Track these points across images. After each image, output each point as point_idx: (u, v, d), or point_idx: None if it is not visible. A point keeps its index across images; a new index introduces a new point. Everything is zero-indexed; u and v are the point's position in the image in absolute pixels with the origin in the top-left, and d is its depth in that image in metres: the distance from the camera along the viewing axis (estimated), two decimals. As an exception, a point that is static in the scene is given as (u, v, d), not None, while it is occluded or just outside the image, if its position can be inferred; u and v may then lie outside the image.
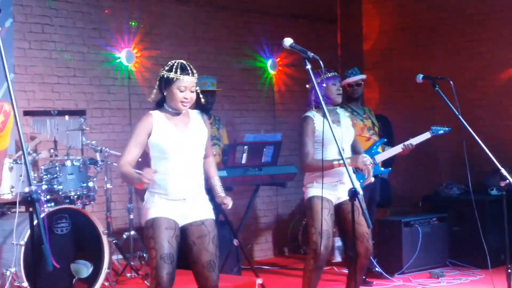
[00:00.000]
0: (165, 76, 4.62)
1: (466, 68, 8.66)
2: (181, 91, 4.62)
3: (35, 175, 5.60)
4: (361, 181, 5.69)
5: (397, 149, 6.94)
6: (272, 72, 8.98)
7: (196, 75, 4.65)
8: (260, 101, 8.94)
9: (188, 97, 4.64)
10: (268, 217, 9.01)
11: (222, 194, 4.84)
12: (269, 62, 8.95)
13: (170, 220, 4.60)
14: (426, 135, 6.78)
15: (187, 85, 4.63)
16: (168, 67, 4.64)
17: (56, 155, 5.93)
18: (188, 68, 4.64)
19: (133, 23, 7.78)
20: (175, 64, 4.64)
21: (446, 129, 6.73)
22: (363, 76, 7.44)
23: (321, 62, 4.57)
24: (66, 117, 6.28)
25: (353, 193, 4.32)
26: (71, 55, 7.35)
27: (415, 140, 6.86)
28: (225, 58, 8.53)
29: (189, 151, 4.68)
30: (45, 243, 3.49)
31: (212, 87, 7.14)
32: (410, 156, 7.13)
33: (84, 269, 5.44)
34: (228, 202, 4.82)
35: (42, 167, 5.68)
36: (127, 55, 7.69)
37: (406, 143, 6.88)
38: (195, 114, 4.79)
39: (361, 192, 5.04)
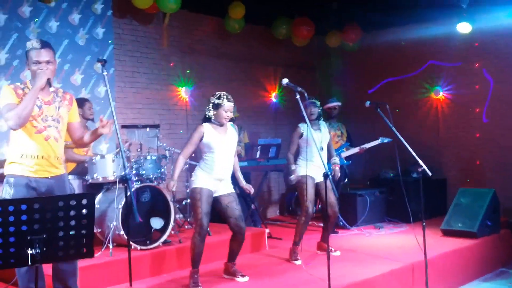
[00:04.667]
0: (216, 102, 4.63)
1: (397, 96, 8.62)
2: (225, 111, 4.63)
3: (128, 164, 5.59)
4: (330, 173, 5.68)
5: (355, 149, 6.92)
6: (274, 100, 8.98)
7: (233, 101, 4.67)
8: (267, 118, 8.91)
9: (229, 116, 4.66)
10: (274, 191, 8.99)
11: (244, 183, 4.88)
12: (273, 95, 8.94)
13: (210, 191, 4.63)
14: (376, 142, 6.76)
15: (229, 108, 4.64)
16: (217, 96, 4.64)
17: (141, 152, 5.93)
18: (230, 97, 4.66)
19: (188, 71, 7.80)
20: (222, 94, 4.65)
21: (390, 139, 6.67)
22: (339, 103, 7.38)
23: (305, 93, 4.57)
24: (147, 129, 6.24)
25: (325, 175, 4.32)
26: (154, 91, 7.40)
27: (368, 145, 6.83)
28: (246, 93, 8.49)
29: (226, 148, 4.69)
30: (134, 207, 3.51)
31: (235, 113, 7.13)
32: (363, 153, 7.12)
33: (158, 222, 5.41)
34: (251, 189, 4.87)
35: (132, 160, 5.68)
36: (185, 90, 7.71)
37: (361, 146, 6.86)
38: (230, 126, 4.79)
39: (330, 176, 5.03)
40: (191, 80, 7.76)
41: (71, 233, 2.82)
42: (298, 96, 4.52)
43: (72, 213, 2.83)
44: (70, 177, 5.20)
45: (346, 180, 7.83)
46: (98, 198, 5.44)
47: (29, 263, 2.74)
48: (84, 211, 2.86)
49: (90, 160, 5.28)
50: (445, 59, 8.39)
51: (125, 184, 4.73)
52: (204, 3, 7.68)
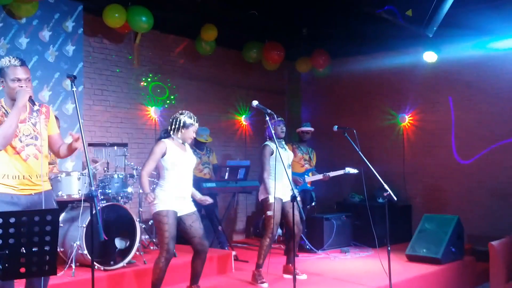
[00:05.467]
0: (186, 121, 4.61)
1: (364, 122, 8.76)
2: (193, 132, 4.64)
3: (94, 183, 5.51)
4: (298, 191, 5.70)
5: (319, 176, 6.98)
6: (244, 123, 9.02)
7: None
8: (237, 140, 8.95)
9: (193, 136, 4.68)
10: (241, 213, 8.97)
11: (199, 195, 4.79)
12: (243, 117, 9.00)
13: (175, 212, 4.55)
14: (341, 172, 6.76)
15: (196, 130, 4.67)
16: (187, 115, 4.63)
17: (107, 171, 5.87)
18: (196, 119, 4.68)
19: (158, 90, 7.77)
20: (191, 114, 4.66)
21: (356, 171, 6.49)
22: (311, 129, 7.44)
23: (274, 115, 4.65)
24: (115, 147, 6.20)
25: (293, 198, 4.34)
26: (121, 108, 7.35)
27: (333, 173, 6.86)
28: (216, 115, 8.52)
29: (187, 165, 4.65)
30: (99, 224, 3.46)
31: (206, 138, 7.13)
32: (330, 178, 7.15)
33: (123, 242, 5.32)
34: (207, 200, 4.80)
35: (99, 178, 5.61)
36: (154, 110, 7.68)
37: (326, 173, 6.91)
38: (188, 145, 4.78)
39: (298, 197, 5.07)
40: (160, 100, 7.75)
41: (34, 249, 2.76)
42: (267, 118, 4.59)
43: (36, 229, 2.78)
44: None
45: (313, 204, 7.88)
46: (62, 216, 5.33)
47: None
48: (48, 227, 2.81)
49: (55, 177, 5.19)
50: (411, 86, 8.60)
51: (91, 202, 4.68)
52: (176, 24, 7.73)
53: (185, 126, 4.62)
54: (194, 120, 4.64)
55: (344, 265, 6.57)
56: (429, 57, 8.04)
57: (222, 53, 8.50)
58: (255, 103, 4.66)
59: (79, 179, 5.26)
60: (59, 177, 5.20)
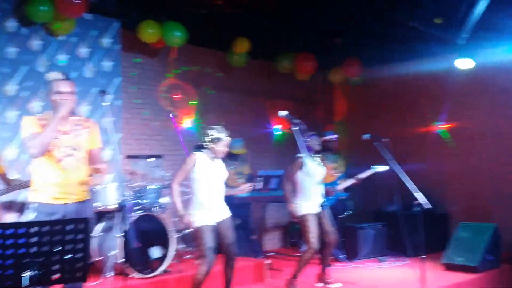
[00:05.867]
0: (216, 136, 4.73)
1: (400, 129, 8.68)
2: (224, 146, 4.74)
3: (130, 194, 5.64)
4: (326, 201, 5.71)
5: (351, 180, 6.96)
6: (278, 133, 9.06)
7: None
8: (270, 150, 9.00)
9: (225, 151, 4.80)
10: (274, 222, 8.95)
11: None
12: (276, 127, 9.03)
13: (212, 226, 4.66)
14: (369, 172, 6.77)
15: (228, 143, 4.77)
16: (217, 130, 4.75)
17: (144, 182, 6.01)
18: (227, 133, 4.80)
19: (191, 102, 7.96)
20: (222, 129, 4.78)
21: (385, 167, 6.43)
22: (335, 136, 7.38)
23: (301, 126, 4.69)
24: (151, 159, 6.37)
25: (321, 205, 4.40)
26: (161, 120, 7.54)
27: (363, 174, 6.85)
28: (250, 126, 8.58)
29: (217, 176, 4.76)
30: (131, 232, 3.60)
31: (239, 150, 7.25)
32: (365, 187, 7.05)
33: (158, 252, 5.46)
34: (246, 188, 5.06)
35: (134, 189, 5.77)
36: (189, 123, 7.82)
37: (356, 176, 6.89)
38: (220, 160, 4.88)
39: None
40: (195, 112, 7.90)
41: (66, 257, 2.91)
42: (296, 128, 4.66)
43: (69, 237, 2.93)
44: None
45: (348, 213, 7.85)
46: (99, 226, 5.51)
47: (27, 285, 2.82)
48: (80, 236, 2.95)
49: (93, 188, 5.39)
50: (447, 92, 8.50)
51: (126, 212, 4.84)
52: (209, 38, 7.89)
53: (216, 140, 4.74)
54: (224, 135, 4.74)
55: (379, 274, 6.54)
56: (463, 64, 7.94)
57: (254, 64, 8.59)
58: (283, 113, 4.74)
59: (114, 190, 5.44)
60: (97, 188, 5.39)
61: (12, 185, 4.76)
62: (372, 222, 7.92)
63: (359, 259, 7.32)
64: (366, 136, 5.95)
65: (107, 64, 6.93)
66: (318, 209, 5.54)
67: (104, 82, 6.85)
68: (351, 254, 7.36)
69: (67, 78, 3.79)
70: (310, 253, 5.54)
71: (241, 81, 8.64)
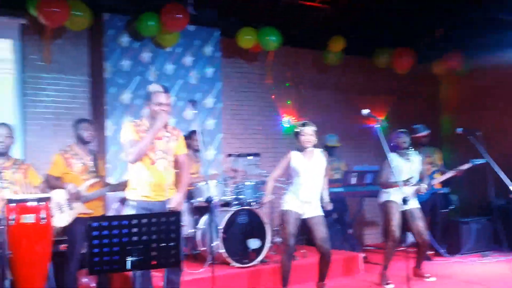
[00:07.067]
0: (295, 131, 5.12)
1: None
2: (303, 136, 5.04)
3: (230, 189, 6.10)
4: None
5: (451, 173, 6.85)
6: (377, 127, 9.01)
7: (312, 125, 5.04)
8: (370, 145, 8.99)
9: (309, 139, 5.04)
10: (372, 217, 8.97)
11: (326, 201, 5.19)
12: (374, 124, 8.99)
13: (297, 213, 5.03)
14: (468, 165, 6.68)
15: (307, 132, 5.03)
16: (297, 124, 5.15)
17: (243, 179, 6.42)
18: (308, 122, 5.07)
19: (288, 102, 8.31)
20: (299, 122, 5.16)
21: (482, 161, 6.28)
22: (425, 132, 7.27)
23: (384, 122, 4.83)
24: (250, 157, 6.78)
25: (404, 200, 4.55)
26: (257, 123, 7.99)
27: (463, 167, 6.73)
28: (347, 122, 8.69)
29: (312, 172, 5.07)
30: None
31: (335, 143, 7.48)
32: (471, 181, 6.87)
33: (255, 243, 5.86)
34: (328, 207, 5.18)
35: (234, 185, 6.20)
36: (287, 121, 8.19)
37: (457, 168, 6.78)
38: (317, 152, 5.17)
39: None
40: (291, 111, 8.23)
41: (161, 244, 3.40)
42: (377, 126, 4.81)
43: (163, 228, 3.42)
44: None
45: (451, 207, 7.73)
46: (202, 219, 6.04)
47: (129, 268, 3.35)
48: (172, 226, 3.43)
49: (196, 184, 5.94)
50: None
51: (226, 207, 5.25)
52: (304, 39, 8.17)
53: (296, 135, 5.12)
54: (300, 126, 5.08)
55: (479, 269, 6.46)
56: None
57: (350, 61, 8.69)
58: (366, 111, 4.91)
59: (216, 186, 5.95)
60: (199, 185, 5.93)
61: (111, 186, 5.20)
62: (475, 216, 7.74)
63: (462, 254, 7.21)
64: (459, 130, 5.92)
65: (209, 71, 7.49)
66: (404, 204, 5.59)
67: (207, 87, 7.42)
68: (454, 249, 7.29)
69: (166, 91, 4.26)
70: (391, 242, 5.68)
71: (336, 78, 8.80)
